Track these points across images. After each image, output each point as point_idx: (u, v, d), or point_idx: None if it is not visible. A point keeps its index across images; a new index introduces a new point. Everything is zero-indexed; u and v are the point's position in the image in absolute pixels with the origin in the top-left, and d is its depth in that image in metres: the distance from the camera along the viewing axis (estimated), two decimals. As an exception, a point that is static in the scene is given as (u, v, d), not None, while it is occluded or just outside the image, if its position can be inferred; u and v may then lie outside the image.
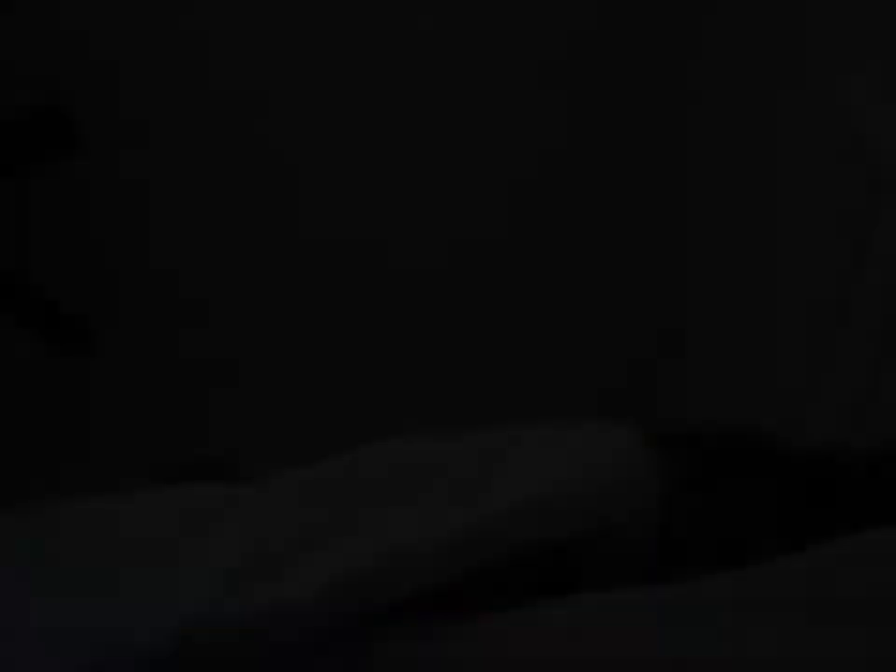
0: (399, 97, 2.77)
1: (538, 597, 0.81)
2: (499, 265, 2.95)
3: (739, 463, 1.04)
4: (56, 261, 2.88)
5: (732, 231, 2.45)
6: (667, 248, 2.88)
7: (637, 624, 0.67)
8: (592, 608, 0.72)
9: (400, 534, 0.86)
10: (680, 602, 0.70)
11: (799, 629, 0.64)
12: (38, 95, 2.48)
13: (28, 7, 2.52)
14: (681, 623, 0.67)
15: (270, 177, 2.81)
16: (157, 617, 0.67)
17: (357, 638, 0.75)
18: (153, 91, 2.69)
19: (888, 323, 1.12)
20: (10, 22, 2.50)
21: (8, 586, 0.73)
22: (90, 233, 2.88)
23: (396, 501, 0.92)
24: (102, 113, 2.64)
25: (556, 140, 2.80)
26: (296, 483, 0.95)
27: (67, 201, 2.82)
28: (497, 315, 3.03)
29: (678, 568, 0.87)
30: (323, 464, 0.99)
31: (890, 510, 0.91)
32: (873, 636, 0.63)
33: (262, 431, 3.22)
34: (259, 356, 3.09)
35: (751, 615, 0.66)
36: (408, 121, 2.80)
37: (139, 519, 0.91)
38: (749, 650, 0.63)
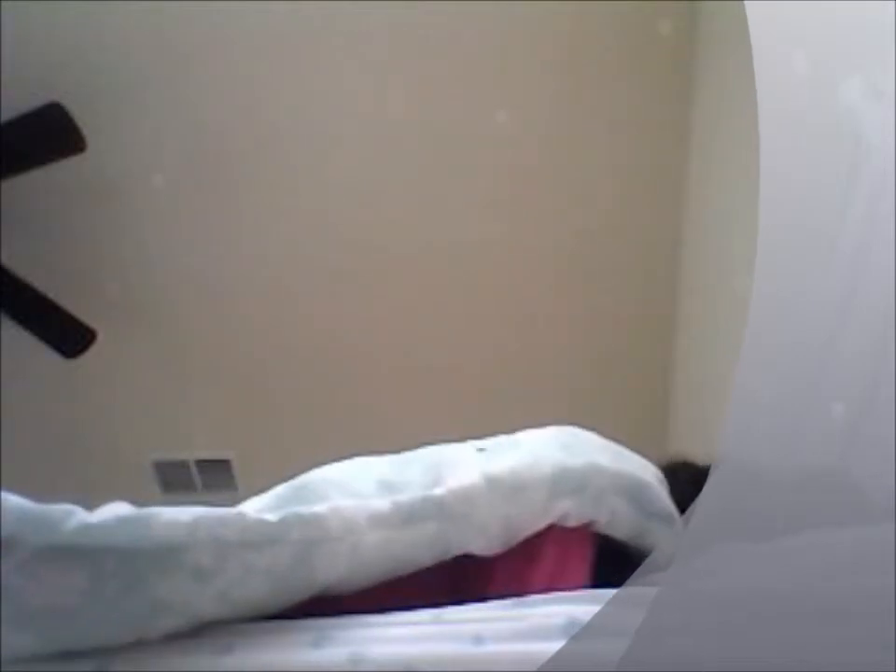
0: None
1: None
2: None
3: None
4: (56, 262, 2.88)
5: (730, 232, 2.46)
6: (664, 244, 2.89)
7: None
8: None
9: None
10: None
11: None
12: (38, 95, 2.48)
13: (29, 8, 2.52)
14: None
15: (269, 176, 2.81)
16: None
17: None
18: (152, 91, 2.70)
19: (885, 331, 1.14)
20: (11, 24, 2.51)
21: None
22: (90, 234, 2.89)
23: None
24: (102, 113, 2.64)
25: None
26: None
27: (67, 201, 2.82)
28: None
29: None
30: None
31: None
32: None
33: (260, 432, 3.22)
34: (259, 356, 3.09)
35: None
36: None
37: None
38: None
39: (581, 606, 0.70)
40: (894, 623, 0.65)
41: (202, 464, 3.25)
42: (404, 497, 0.88)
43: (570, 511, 0.95)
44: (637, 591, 0.75)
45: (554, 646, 0.65)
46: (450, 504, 0.89)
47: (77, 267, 2.90)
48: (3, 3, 2.48)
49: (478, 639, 0.68)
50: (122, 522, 0.72)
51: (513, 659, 0.66)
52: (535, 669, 0.64)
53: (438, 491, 0.89)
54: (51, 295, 2.75)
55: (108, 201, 2.82)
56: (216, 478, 3.25)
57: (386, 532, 0.85)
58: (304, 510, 0.81)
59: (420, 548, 0.87)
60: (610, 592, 0.74)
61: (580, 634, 0.67)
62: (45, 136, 2.51)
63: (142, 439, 3.20)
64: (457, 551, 0.89)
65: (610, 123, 2.75)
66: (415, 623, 0.73)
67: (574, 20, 2.61)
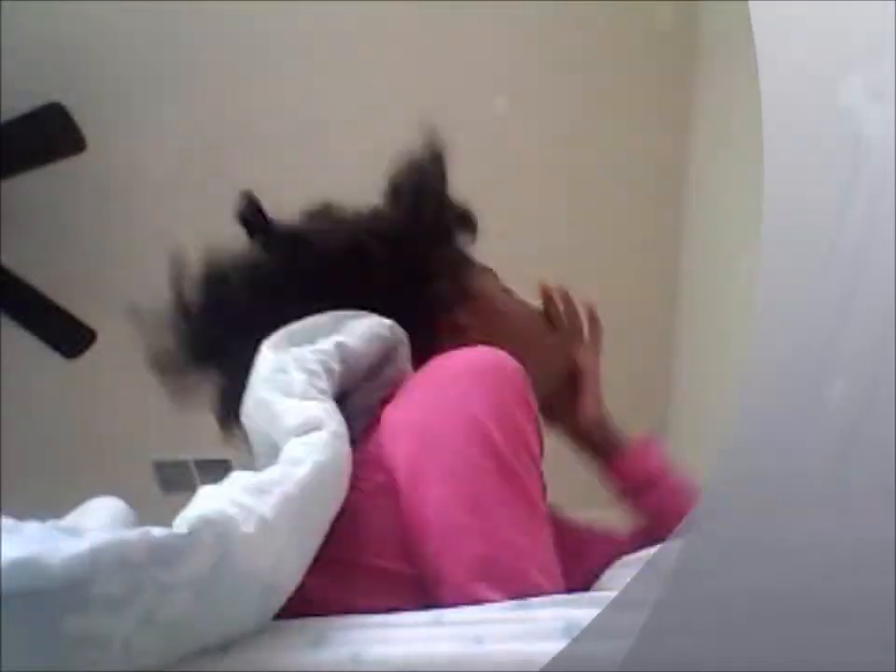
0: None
1: None
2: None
3: None
4: (56, 262, 2.88)
5: (728, 232, 2.46)
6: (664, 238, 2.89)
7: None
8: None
9: None
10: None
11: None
12: (38, 95, 2.48)
13: (29, 8, 2.53)
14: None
15: (269, 176, 2.81)
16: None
17: None
18: (152, 91, 2.70)
19: (885, 331, 1.14)
20: (11, 24, 2.51)
21: None
22: (89, 234, 2.89)
23: None
24: (102, 113, 2.64)
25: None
26: None
27: (67, 201, 2.82)
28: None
29: None
30: None
31: None
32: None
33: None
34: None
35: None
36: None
37: None
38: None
39: (582, 608, 0.70)
40: (894, 622, 0.65)
41: (202, 464, 3.25)
42: (282, 460, 0.90)
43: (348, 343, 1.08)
44: (637, 592, 0.75)
45: (555, 647, 0.65)
46: (318, 440, 0.91)
47: (76, 267, 2.90)
48: (3, 3, 2.48)
49: (478, 640, 0.68)
50: (16, 566, 0.66)
51: (514, 660, 0.66)
52: (536, 670, 0.64)
53: (300, 439, 0.93)
54: (51, 295, 2.75)
55: (108, 201, 2.82)
56: (216, 478, 3.25)
57: (280, 493, 0.84)
58: (208, 510, 0.77)
59: (318, 483, 0.87)
60: (611, 595, 0.74)
61: (580, 635, 0.67)
62: (45, 136, 2.51)
63: (142, 439, 3.20)
64: (345, 457, 0.93)
65: (610, 121, 2.75)
66: (416, 625, 0.73)
67: (574, 17, 2.61)
